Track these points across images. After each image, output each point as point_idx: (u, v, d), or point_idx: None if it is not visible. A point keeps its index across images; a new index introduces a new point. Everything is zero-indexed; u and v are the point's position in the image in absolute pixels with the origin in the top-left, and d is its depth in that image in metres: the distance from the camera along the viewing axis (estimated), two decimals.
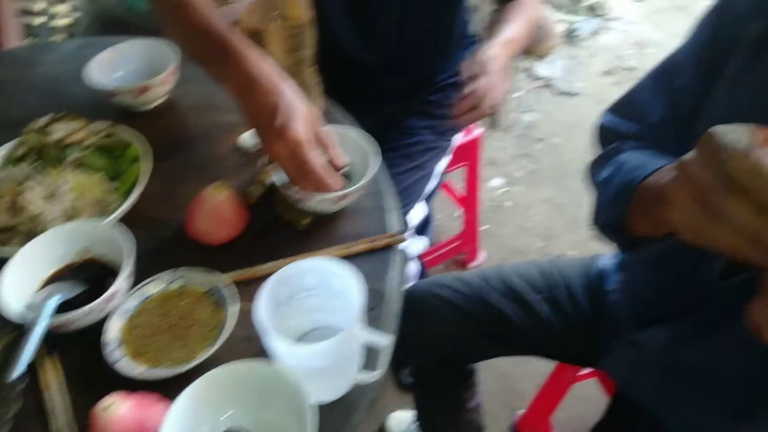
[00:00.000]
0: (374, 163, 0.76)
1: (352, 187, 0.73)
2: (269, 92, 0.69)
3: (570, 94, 2.55)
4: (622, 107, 0.77)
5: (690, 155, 0.37)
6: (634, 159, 0.66)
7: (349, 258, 0.72)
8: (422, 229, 1.30)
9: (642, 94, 0.74)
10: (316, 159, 0.70)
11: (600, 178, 0.72)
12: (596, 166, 0.75)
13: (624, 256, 0.91)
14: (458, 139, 1.38)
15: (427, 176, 1.25)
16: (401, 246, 0.75)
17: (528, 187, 2.15)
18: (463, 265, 1.87)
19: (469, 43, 1.34)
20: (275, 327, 0.52)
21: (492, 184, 2.17)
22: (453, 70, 1.30)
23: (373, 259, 0.73)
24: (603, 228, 0.71)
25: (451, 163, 1.48)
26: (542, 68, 2.65)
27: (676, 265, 0.72)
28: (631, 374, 0.82)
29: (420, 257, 1.37)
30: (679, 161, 0.38)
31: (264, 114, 0.69)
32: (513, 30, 1.10)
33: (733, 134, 0.34)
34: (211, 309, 0.67)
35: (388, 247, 0.74)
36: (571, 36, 2.81)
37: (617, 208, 0.64)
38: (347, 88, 1.27)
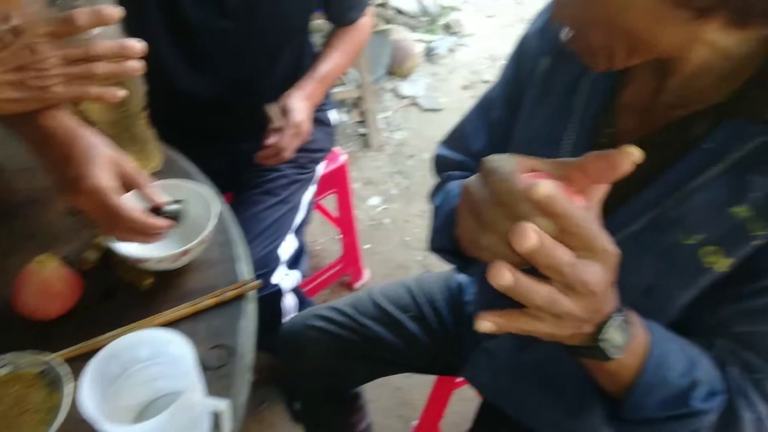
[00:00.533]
0: (215, 214, 0.75)
1: (192, 243, 0.71)
2: (62, 143, 0.65)
3: (435, 110, 2.69)
4: (452, 139, 0.86)
5: (471, 178, 0.44)
6: (457, 186, 0.73)
7: (198, 314, 0.71)
8: (295, 261, 1.30)
9: (467, 126, 0.83)
10: (123, 205, 0.65)
11: (434, 205, 0.78)
12: (432, 195, 0.83)
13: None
14: (322, 168, 1.41)
15: (294, 209, 1.26)
16: (252, 294, 0.74)
17: (404, 203, 2.23)
18: (349, 286, 1.90)
19: None
20: (107, 407, 0.50)
21: (370, 202, 2.22)
22: None
23: (223, 312, 0.72)
24: (438, 251, 0.76)
25: (320, 192, 1.51)
26: (406, 87, 2.77)
27: None
28: (488, 380, 0.87)
29: (299, 288, 1.37)
30: (463, 183, 0.44)
31: (57, 166, 0.65)
32: (328, 66, 1.20)
33: (502, 161, 0.41)
34: (45, 392, 0.63)
35: (240, 298, 0.73)
36: (430, 55, 2.97)
37: (445, 233, 0.70)
38: (197, 129, 1.25)
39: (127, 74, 0.66)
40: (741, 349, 0.54)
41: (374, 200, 2.23)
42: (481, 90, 2.87)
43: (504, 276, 0.38)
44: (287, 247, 1.23)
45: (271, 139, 1.10)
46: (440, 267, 1.86)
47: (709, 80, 0.53)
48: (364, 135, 2.51)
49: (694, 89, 0.54)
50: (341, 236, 1.77)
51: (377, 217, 2.17)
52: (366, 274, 1.91)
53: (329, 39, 1.26)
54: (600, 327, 0.44)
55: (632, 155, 0.37)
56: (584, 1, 0.49)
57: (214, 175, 1.19)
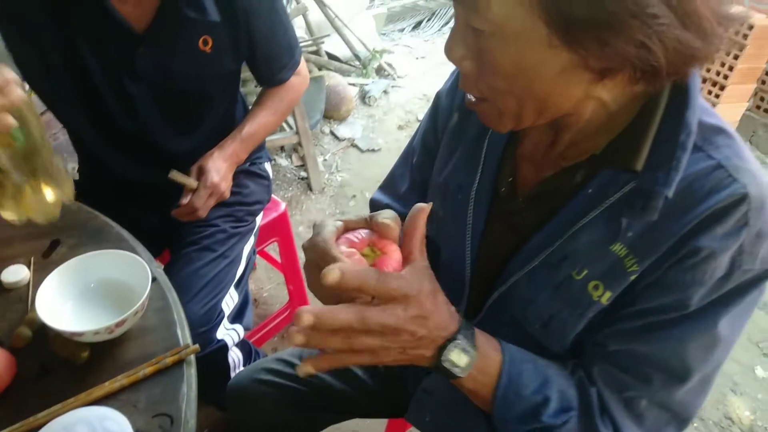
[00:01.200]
0: (149, 281, 0.77)
1: (127, 313, 0.72)
2: None
3: (373, 151, 2.77)
4: (385, 183, 0.92)
5: (307, 240, 0.54)
6: None
7: (138, 383, 0.71)
8: (239, 314, 1.30)
9: (395, 171, 0.90)
10: None
11: None
12: None
13: None
14: (260, 219, 1.42)
15: (233, 262, 1.26)
16: (192, 359, 0.75)
17: None
18: None
19: None
20: None
21: None
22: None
23: (163, 379, 0.72)
24: None
25: (262, 241, 1.52)
26: (344, 130, 2.84)
27: None
28: (429, 419, 0.89)
29: (245, 341, 1.36)
30: (303, 244, 0.55)
31: None
32: (254, 127, 1.23)
33: (323, 228, 0.52)
34: None
35: (180, 363, 0.74)
36: (365, 98, 3.07)
37: None
38: (124, 189, 1.24)
39: (14, 104, 0.69)
40: (615, 369, 0.59)
41: None
42: (414, 129, 2.98)
43: (304, 318, 0.46)
44: (229, 301, 1.24)
45: (185, 200, 1.11)
46: None
47: (591, 133, 0.59)
48: (305, 178, 2.55)
49: (580, 141, 0.60)
50: (286, 281, 1.78)
51: None
52: None
53: (259, 97, 1.29)
54: (440, 351, 0.53)
55: (425, 210, 0.50)
56: (495, 73, 0.53)
57: (148, 233, 1.19)
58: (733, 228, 0.52)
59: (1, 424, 0.66)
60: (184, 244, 1.22)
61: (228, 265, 1.23)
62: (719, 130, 0.56)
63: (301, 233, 2.26)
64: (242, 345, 1.33)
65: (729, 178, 0.53)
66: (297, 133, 2.38)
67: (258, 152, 1.39)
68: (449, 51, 0.56)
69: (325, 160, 2.70)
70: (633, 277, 0.57)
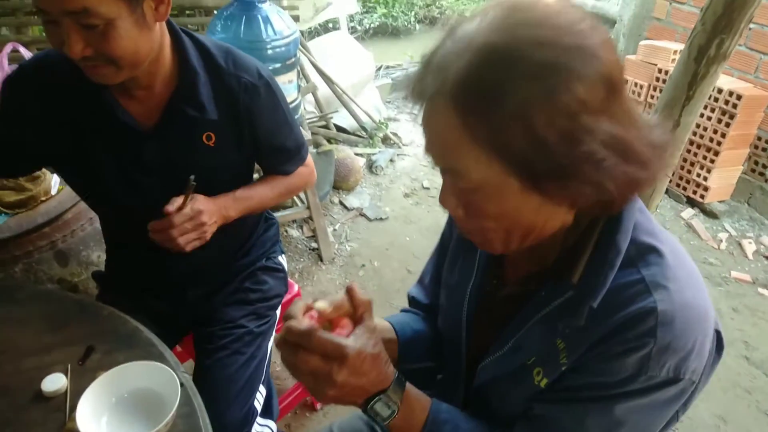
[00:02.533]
0: (177, 393, 0.84)
1: (159, 425, 0.79)
2: None
3: (381, 220, 2.86)
4: (420, 276, 1.04)
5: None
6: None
7: None
8: (267, 407, 1.35)
9: (426, 265, 1.02)
10: None
11: None
12: None
13: None
14: (279, 312, 1.47)
15: (261, 360, 1.31)
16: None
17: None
18: (312, 407, 1.93)
19: (269, 225, 1.49)
20: None
21: None
22: (257, 254, 1.42)
23: None
24: None
25: (278, 323, 1.59)
26: (353, 200, 2.95)
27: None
28: None
29: None
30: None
31: None
32: (249, 192, 1.22)
33: (294, 306, 0.67)
34: None
35: None
36: (372, 167, 3.20)
37: None
38: (149, 277, 1.29)
39: None
40: (530, 428, 0.70)
41: None
42: (422, 196, 3.10)
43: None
44: (259, 397, 1.29)
45: (169, 206, 1.04)
46: None
47: (546, 250, 0.70)
48: (315, 249, 2.63)
49: (537, 257, 0.72)
50: None
51: None
52: None
53: (264, 173, 1.32)
54: (368, 401, 0.67)
55: (354, 288, 0.69)
56: (484, 218, 0.63)
57: (169, 321, 1.26)
58: (640, 336, 0.60)
59: None
60: (214, 348, 1.26)
61: (257, 365, 1.29)
62: (652, 249, 0.64)
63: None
64: None
65: (645, 293, 0.61)
66: (308, 207, 2.48)
67: (273, 247, 1.46)
68: (444, 203, 0.67)
69: (334, 230, 2.79)
70: (563, 368, 0.67)
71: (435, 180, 3.16)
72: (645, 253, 0.64)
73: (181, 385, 0.91)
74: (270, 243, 1.46)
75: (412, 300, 1.03)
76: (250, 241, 1.40)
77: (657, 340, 0.60)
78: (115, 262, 1.37)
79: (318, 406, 1.92)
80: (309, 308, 0.67)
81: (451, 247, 0.90)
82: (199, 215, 1.08)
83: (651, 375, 0.62)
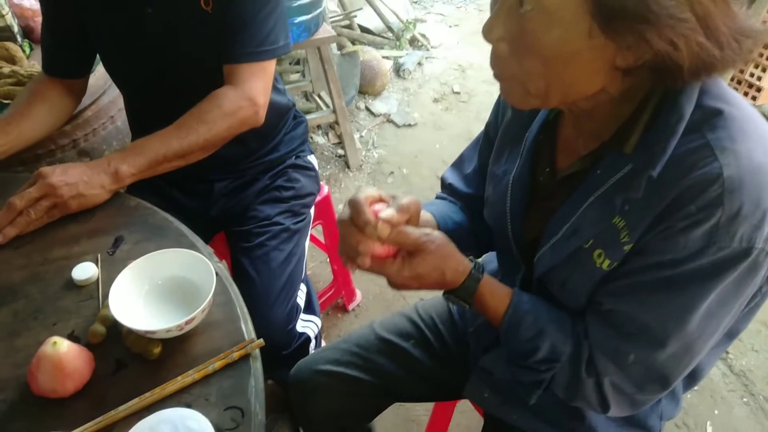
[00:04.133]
0: (212, 280, 0.79)
1: (196, 311, 0.75)
2: None
3: (409, 126, 2.74)
4: (455, 162, 1.01)
5: (342, 211, 0.72)
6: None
7: (208, 377, 0.74)
8: (309, 305, 1.34)
9: (465, 152, 0.99)
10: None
11: None
12: None
13: None
14: (313, 212, 1.43)
15: (300, 259, 1.29)
16: (257, 353, 0.78)
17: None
18: (344, 308, 1.94)
19: (298, 122, 1.40)
20: None
21: None
22: (286, 151, 1.35)
23: (232, 373, 0.75)
24: None
25: None
26: (379, 105, 2.82)
27: None
28: (487, 396, 0.93)
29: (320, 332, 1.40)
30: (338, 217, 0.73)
31: None
32: (146, 140, 1.02)
33: (360, 193, 0.69)
34: None
35: (246, 357, 0.77)
36: (399, 71, 3.03)
37: None
38: (175, 172, 1.25)
39: None
40: (605, 327, 0.68)
41: None
42: (452, 101, 2.95)
43: (365, 262, 0.69)
44: (301, 294, 1.28)
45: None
46: None
47: (603, 122, 0.66)
48: (342, 156, 2.55)
49: (595, 131, 0.68)
50: (331, 263, 1.81)
51: None
52: (358, 295, 1.95)
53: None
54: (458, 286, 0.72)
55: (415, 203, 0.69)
56: (534, 56, 0.58)
57: (198, 218, 1.23)
58: (705, 206, 0.56)
59: (83, 417, 0.70)
60: (251, 246, 1.23)
61: (297, 263, 1.27)
62: (719, 113, 0.58)
63: (340, 212, 2.28)
64: (318, 338, 1.36)
65: (711, 157, 0.56)
66: (334, 111, 2.37)
67: (302, 146, 1.40)
68: (489, 31, 0.61)
69: (361, 136, 2.69)
70: (627, 248, 0.63)
71: (465, 84, 2.99)
72: (711, 117, 0.59)
73: (216, 274, 0.86)
74: (299, 141, 1.40)
75: (448, 186, 0.99)
76: (277, 138, 1.34)
77: (725, 208, 0.56)
78: None
79: (349, 306, 1.92)
80: (372, 201, 0.69)
81: (498, 137, 0.86)
82: (49, 188, 0.94)
83: (721, 246, 0.57)
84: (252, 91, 1.06)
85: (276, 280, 1.19)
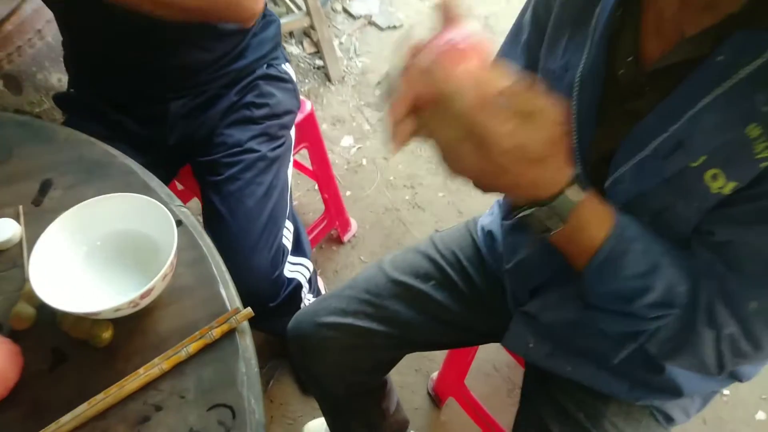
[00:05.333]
0: (173, 233, 0.57)
1: (152, 281, 0.54)
2: None
3: (394, 28, 2.42)
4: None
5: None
6: None
7: (181, 365, 0.55)
8: (297, 244, 1.14)
9: (503, 52, 0.77)
10: None
11: None
12: None
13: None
14: (294, 133, 1.20)
15: (283, 191, 1.08)
16: (246, 325, 0.58)
17: (379, 139, 2.03)
18: (338, 240, 1.75)
19: (268, 22, 1.13)
20: None
21: (343, 143, 2.02)
22: (255, 58, 1.09)
23: (213, 358, 0.56)
24: None
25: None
26: (359, 6, 2.47)
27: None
28: (532, 346, 0.78)
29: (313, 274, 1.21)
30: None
31: None
32: None
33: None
34: None
35: (231, 333, 0.57)
36: None
37: None
38: (130, 95, 1.03)
39: None
40: (722, 264, 0.52)
41: (347, 140, 2.03)
42: None
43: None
44: (287, 234, 1.08)
45: None
46: (433, 205, 1.70)
47: None
48: (321, 68, 2.25)
49: (706, 3, 0.48)
50: (320, 189, 1.60)
51: (353, 159, 1.98)
52: (354, 225, 1.76)
53: None
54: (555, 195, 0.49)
55: None
56: None
57: (155, 150, 1.01)
58: None
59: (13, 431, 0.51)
60: (222, 179, 1.01)
61: (279, 197, 1.06)
62: None
63: (325, 132, 2.03)
64: (312, 281, 1.18)
65: None
66: (308, 13, 2.05)
67: (274, 51, 1.14)
68: None
69: (341, 43, 2.37)
70: (764, 164, 0.47)
71: None
72: None
73: (179, 223, 0.64)
74: (270, 45, 1.13)
75: None
76: (243, 41, 1.07)
77: None
78: (79, 76, 1.08)
79: (344, 238, 1.73)
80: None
81: (552, 21, 0.65)
82: None
83: None
84: None
85: (255, 221, 0.99)
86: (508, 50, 0.76)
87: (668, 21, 0.53)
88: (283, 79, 1.15)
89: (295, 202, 1.85)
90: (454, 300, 0.87)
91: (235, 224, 0.97)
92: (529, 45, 0.72)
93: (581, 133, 0.61)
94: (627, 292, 0.54)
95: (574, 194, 0.50)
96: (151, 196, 0.63)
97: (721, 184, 0.50)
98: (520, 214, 0.51)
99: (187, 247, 0.64)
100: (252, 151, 1.03)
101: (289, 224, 1.08)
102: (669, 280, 0.53)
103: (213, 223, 1.00)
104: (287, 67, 1.19)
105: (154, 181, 0.72)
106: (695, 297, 0.53)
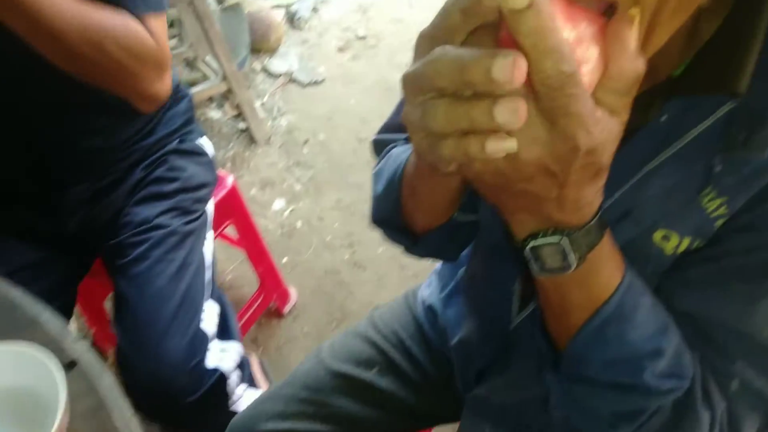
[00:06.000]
0: (59, 390, 0.49)
1: None
2: None
3: (316, 83, 2.40)
4: (390, 124, 0.73)
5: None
6: (402, 150, 0.64)
7: None
8: (225, 327, 1.03)
9: (401, 108, 0.67)
10: None
11: (374, 174, 0.68)
12: (375, 175, 0.68)
13: (445, 286, 0.81)
14: (212, 207, 1.13)
15: (200, 268, 0.99)
16: None
17: (312, 198, 1.97)
18: (278, 313, 1.65)
19: (178, 97, 1.06)
20: None
21: (275, 207, 1.95)
22: (165, 133, 1.03)
23: None
24: (382, 224, 0.66)
25: (215, 227, 1.23)
26: (278, 63, 2.44)
27: (477, 304, 0.71)
28: (489, 430, 0.73)
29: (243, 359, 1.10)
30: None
31: None
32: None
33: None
34: None
35: None
36: (293, 21, 2.65)
37: (390, 196, 0.60)
38: (18, 184, 0.92)
39: None
40: (695, 335, 0.46)
41: (278, 203, 1.96)
42: (359, 48, 2.62)
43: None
44: (210, 316, 0.97)
45: None
46: (374, 262, 1.65)
47: (673, 47, 0.43)
48: (245, 130, 2.19)
49: (658, 60, 0.43)
50: (253, 264, 1.51)
51: (287, 222, 1.90)
52: (293, 294, 1.67)
53: None
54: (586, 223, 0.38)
55: None
56: None
57: (54, 244, 0.93)
58: None
59: None
60: (128, 261, 0.92)
61: (196, 274, 0.97)
62: None
63: (255, 197, 1.95)
64: (240, 366, 1.07)
65: None
66: (224, 78, 1.99)
67: (187, 126, 1.07)
68: None
69: (263, 103, 2.33)
70: (719, 222, 0.44)
71: (370, 26, 2.67)
72: None
73: (72, 365, 0.56)
74: (181, 120, 1.07)
75: (386, 142, 0.70)
76: (153, 120, 1.00)
77: None
78: None
79: (284, 310, 1.65)
80: None
81: None
82: None
83: None
84: (161, 39, 0.81)
85: (166, 302, 0.90)
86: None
87: None
88: (196, 153, 1.08)
89: (228, 276, 1.76)
90: (401, 385, 0.81)
91: (142, 308, 0.88)
92: None
93: None
94: (632, 357, 0.44)
95: (600, 227, 0.40)
96: (38, 335, 0.54)
97: (675, 243, 0.46)
98: (539, 243, 0.39)
99: (83, 393, 0.54)
100: (161, 226, 0.95)
101: (212, 305, 0.99)
102: (678, 344, 0.45)
103: (120, 313, 0.90)
104: (203, 141, 1.12)
105: (45, 314, 0.62)
106: (695, 370, 0.46)
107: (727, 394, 0.46)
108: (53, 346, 0.55)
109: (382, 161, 0.67)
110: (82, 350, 0.58)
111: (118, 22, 0.76)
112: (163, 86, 0.85)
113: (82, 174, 0.95)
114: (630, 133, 0.43)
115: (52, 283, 0.94)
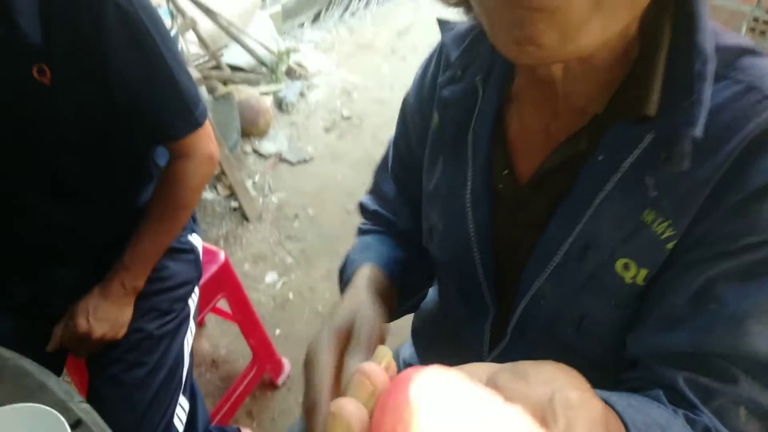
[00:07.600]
0: None
1: None
2: None
3: (305, 162, 2.54)
4: (372, 188, 0.81)
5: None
6: (354, 252, 0.71)
7: None
8: (191, 422, 1.06)
9: (378, 176, 0.80)
10: None
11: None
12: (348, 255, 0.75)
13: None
14: (194, 302, 1.13)
15: (174, 367, 1.01)
16: None
17: (304, 270, 2.04)
18: (272, 384, 1.67)
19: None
20: None
21: (267, 281, 2.00)
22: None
23: None
24: None
25: (206, 300, 1.29)
26: (268, 145, 2.59)
27: (450, 346, 0.73)
28: None
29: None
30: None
31: None
32: (137, 248, 0.96)
33: (319, 356, 0.47)
34: None
35: None
36: (281, 105, 2.83)
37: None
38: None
39: None
40: (692, 373, 0.45)
41: (270, 277, 2.02)
42: (344, 128, 2.79)
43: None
44: (180, 412, 1.01)
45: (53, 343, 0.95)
46: None
47: (591, 89, 0.49)
48: (237, 209, 2.29)
49: (579, 103, 0.50)
50: (246, 336, 1.55)
51: (279, 294, 1.96)
52: (287, 365, 1.70)
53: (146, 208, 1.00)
54: None
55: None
56: None
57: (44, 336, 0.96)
58: None
59: None
60: (103, 364, 0.97)
61: (169, 374, 1.00)
62: (742, 51, 0.46)
63: (247, 272, 2.01)
64: None
65: (761, 99, 0.43)
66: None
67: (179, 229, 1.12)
68: None
69: (254, 183, 2.44)
70: (670, 245, 0.47)
71: (354, 107, 2.85)
72: (734, 57, 0.46)
73: (78, 423, 0.60)
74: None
75: (373, 213, 0.79)
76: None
77: None
78: None
79: (278, 381, 1.66)
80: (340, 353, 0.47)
81: (429, 147, 0.65)
82: (86, 335, 0.92)
83: None
84: (207, 150, 0.97)
85: (134, 405, 0.93)
86: (381, 176, 0.79)
87: (536, 132, 0.55)
88: (183, 251, 1.10)
89: (222, 351, 1.79)
90: None
91: (113, 406, 0.92)
92: (395, 174, 0.75)
93: (483, 252, 0.59)
94: None
95: None
96: (46, 398, 0.59)
97: (633, 273, 0.49)
98: None
99: None
100: (137, 330, 0.98)
101: (183, 400, 1.02)
102: None
103: (93, 403, 0.93)
104: (194, 237, 1.15)
105: (52, 379, 0.67)
106: None
107: (735, 423, 0.45)
108: (60, 407, 0.60)
109: (349, 256, 0.72)
110: (87, 409, 0.63)
111: (170, 207, 0.98)
112: (214, 148, 0.99)
113: (71, 258, 1.00)
114: (576, 171, 0.50)
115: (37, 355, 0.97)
